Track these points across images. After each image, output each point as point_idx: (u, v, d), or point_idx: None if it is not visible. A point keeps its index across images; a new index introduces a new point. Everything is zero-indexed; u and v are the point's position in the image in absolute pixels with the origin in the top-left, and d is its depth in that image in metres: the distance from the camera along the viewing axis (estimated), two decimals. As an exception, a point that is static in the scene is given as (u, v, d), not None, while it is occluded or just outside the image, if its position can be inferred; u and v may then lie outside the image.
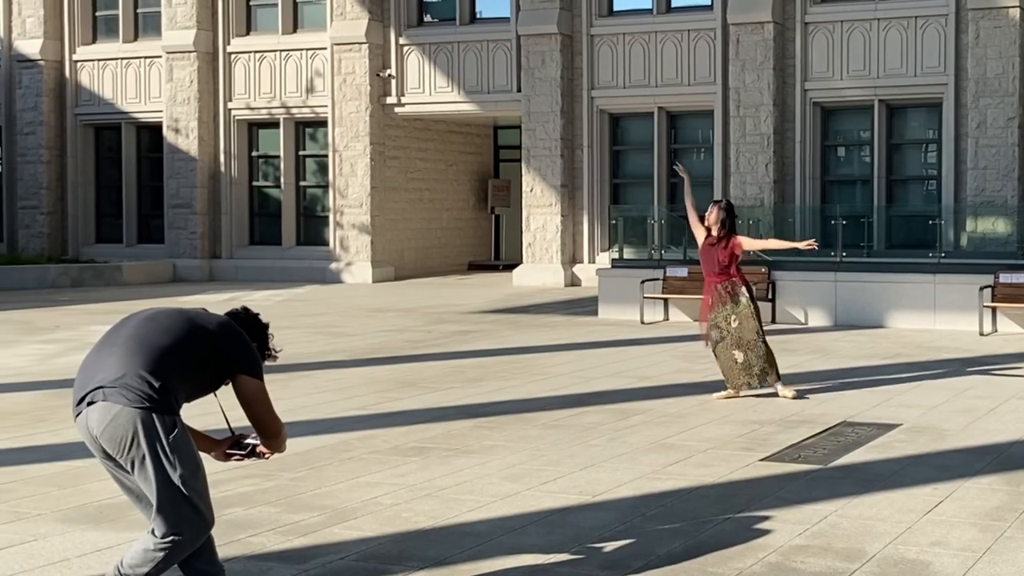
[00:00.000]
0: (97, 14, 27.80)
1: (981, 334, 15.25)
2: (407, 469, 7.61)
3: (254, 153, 26.56)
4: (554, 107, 23.33)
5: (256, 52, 25.99)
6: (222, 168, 26.24)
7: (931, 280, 16.11)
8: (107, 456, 4.67)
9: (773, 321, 16.58)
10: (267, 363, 5.00)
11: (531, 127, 23.59)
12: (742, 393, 10.38)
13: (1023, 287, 15.48)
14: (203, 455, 4.94)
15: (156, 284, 24.91)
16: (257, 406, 4.81)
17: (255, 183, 26.58)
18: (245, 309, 5.00)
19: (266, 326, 5.01)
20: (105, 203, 27.96)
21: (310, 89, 25.56)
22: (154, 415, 4.56)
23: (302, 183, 26.18)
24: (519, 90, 23.89)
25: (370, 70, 24.77)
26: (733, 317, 10.37)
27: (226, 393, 4.89)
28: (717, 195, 22.18)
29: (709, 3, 22.77)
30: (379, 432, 8.86)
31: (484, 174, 28.81)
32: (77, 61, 27.61)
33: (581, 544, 5.94)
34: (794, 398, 10.22)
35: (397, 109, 25.16)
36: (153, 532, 4.68)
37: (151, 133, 27.23)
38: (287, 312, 18.84)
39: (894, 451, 8.13)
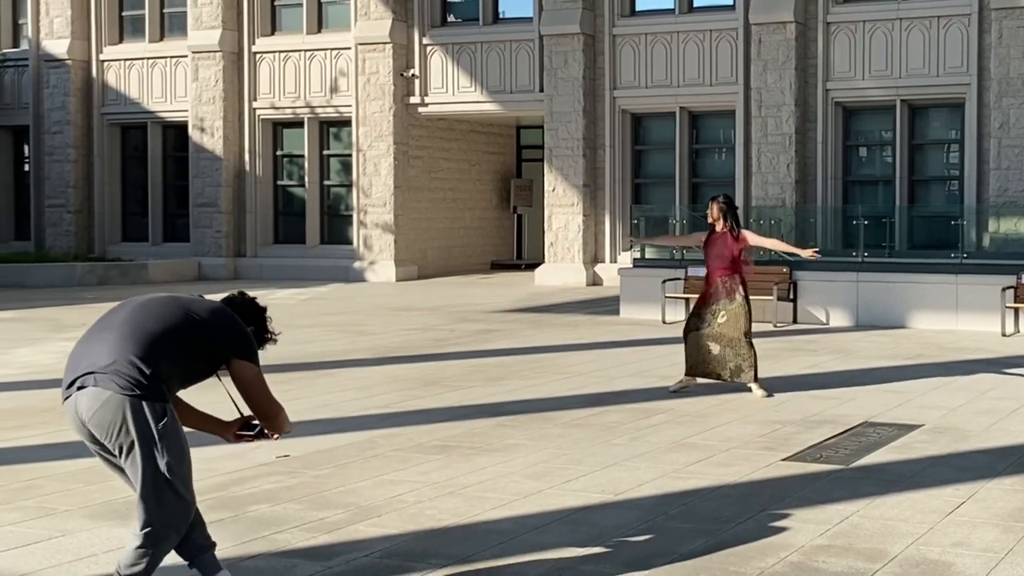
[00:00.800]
0: (124, 14, 28.03)
1: (1003, 335, 15.26)
2: (430, 467, 7.65)
3: (279, 152, 26.73)
4: (576, 107, 23.41)
5: (281, 52, 26.17)
6: (247, 167, 26.42)
7: (953, 281, 16.11)
8: (94, 440, 4.70)
9: (795, 321, 16.67)
10: (268, 346, 5.05)
11: (553, 127, 23.67)
12: (698, 381, 10.57)
13: (1045, 288, 15.50)
14: (215, 437, 5.02)
15: (181, 282, 25.08)
16: (253, 389, 4.84)
17: (280, 182, 26.76)
18: (242, 294, 5.04)
19: (264, 310, 5.04)
20: (131, 202, 28.19)
21: (334, 89, 25.72)
22: (144, 402, 4.57)
23: (326, 182, 26.35)
24: (542, 90, 23.98)
25: (394, 70, 24.91)
26: (722, 313, 10.44)
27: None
28: (739, 196, 22.24)
29: (731, 3, 22.81)
30: (402, 430, 8.91)
31: (506, 174, 28.91)
32: (104, 61, 27.84)
33: (603, 542, 5.95)
34: (764, 397, 10.31)
35: (420, 109, 25.29)
36: (137, 526, 4.73)
37: (177, 132, 27.44)
38: (311, 311, 18.98)
39: (916, 452, 8.14)
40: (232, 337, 4.79)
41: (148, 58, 27.46)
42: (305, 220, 26.29)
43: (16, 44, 28.93)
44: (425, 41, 25.13)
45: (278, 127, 26.64)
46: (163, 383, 4.65)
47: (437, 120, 26.03)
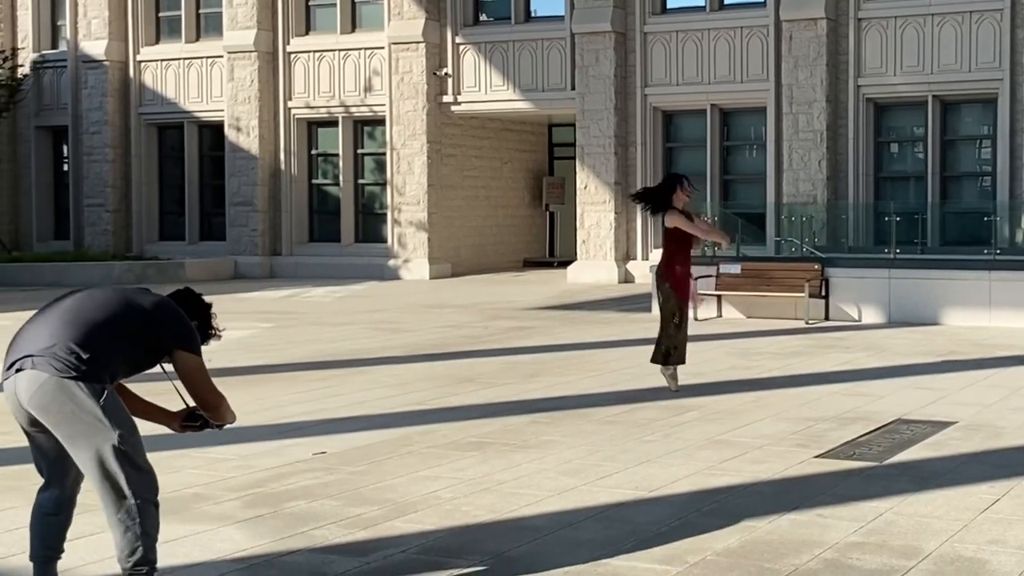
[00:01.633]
0: (160, 15, 28.29)
1: (1036, 331, 15.23)
2: (466, 464, 7.71)
3: (313, 151, 26.96)
4: (608, 105, 23.52)
5: (315, 52, 26.39)
6: (282, 166, 26.67)
7: (986, 277, 16.03)
8: (32, 423, 4.74)
9: (827, 318, 16.63)
10: (212, 342, 5.12)
11: (585, 125, 23.79)
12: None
13: (1078, 284, 15.46)
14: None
15: (218, 281, 25.27)
16: (195, 380, 4.90)
17: (315, 181, 26.99)
18: (188, 289, 5.11)
19: (208, 306, 5.11)
20: (168, 201, 28.47)
21: (368, 88, 25.92)
22: (81, 383, 4.62)
23: (360, 181, 26.56)
24: (573, 88, 24.09)
25: (427, 69, 25.08)
26: (660, 297, 10.67)
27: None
28: (770, 193, 22.32)
29: (762, 0, 22.86)
30: (437, 427, 8.98)
31: (539, 172, 29.03)
32: (141, 61, 28.14)
33: (637, 538, 5.97)
34: (670, 383, 10.50)
35: (453, 107, 25.45)
36: (111, 511, 4.77)
37: (213, 132, 27.70)
38: (346, 308, 19.17)
39: (949, 449, 8.12)
40: (175, 329, 4.85)
41: (184, 58, 27.74)
42: (340, 218, 26.51)
43: (55, 45, 29.27)
44: (458, 40, 25.29)
45: (313, 126, 26.87)
46: (101, 368, 4.69)
47: (470, 118, 26.19)
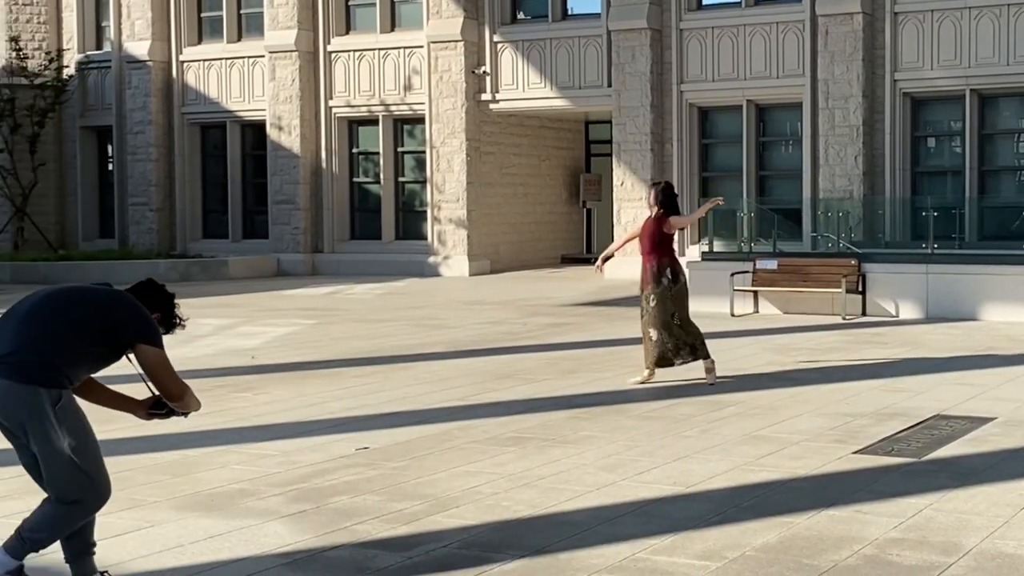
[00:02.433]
0: (202, 15, 28.61)
1: (1076, 326, 15.11)
2: (506, 459, 7.77)
3: (354, 150, 27.20)
4: (644, 101, 23.63)
5: (355, 51, 26.64)
6: (323, 165, 26.95)
7: (1024, 272, 15.99)
8: (6, 428, 4.89)
9: (864, 314, 16.62)
10: (176, 332, 5.27)
11: (621, 122, 23.90)
12: (656, 372, 10.74)
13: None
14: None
15: (260, 278, 25.59)
16: (157, 371, 5.01)
17: (355, 179, 27.24)
18: (150, 280, 5.24)
19: (171, 297, 5.22)
20: (211, 199, 28.81)
21: (408, 87, 26.14)
22: (39, 388, 4.75)
23: (401, 179, 26.79)
24: (610, 85, 24.19)
25: (465, 67, 25.26)
26: (652, 297, 10.68)
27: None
28: (806, 189, 22.36)
29: (797, -5, 22.91)
30: (478, 422, 9.06)
31: (576, 169, 29.15)
32: (183, 62, 28.48)
33: (676, 534, 6.00)
34: (708, 376, 10.67)
35: (492, 105, 25.62)
36: (50, 500, 4.94)
37: (255, 131, 28.00)
38: (387, 305, 19.37)
39: (989, 445, 8.09)
40: (134, 323, 4.95)
41: (226, 58, 28.05)
42: (380, 216, 26.75)
43: (99, 46, 29.68)
44: (496, 38, 25.47)
45: (353, 125, 27.12)
46: (59, 371, 4.83)
47: (508, 116, 26.35)
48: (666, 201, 10.90)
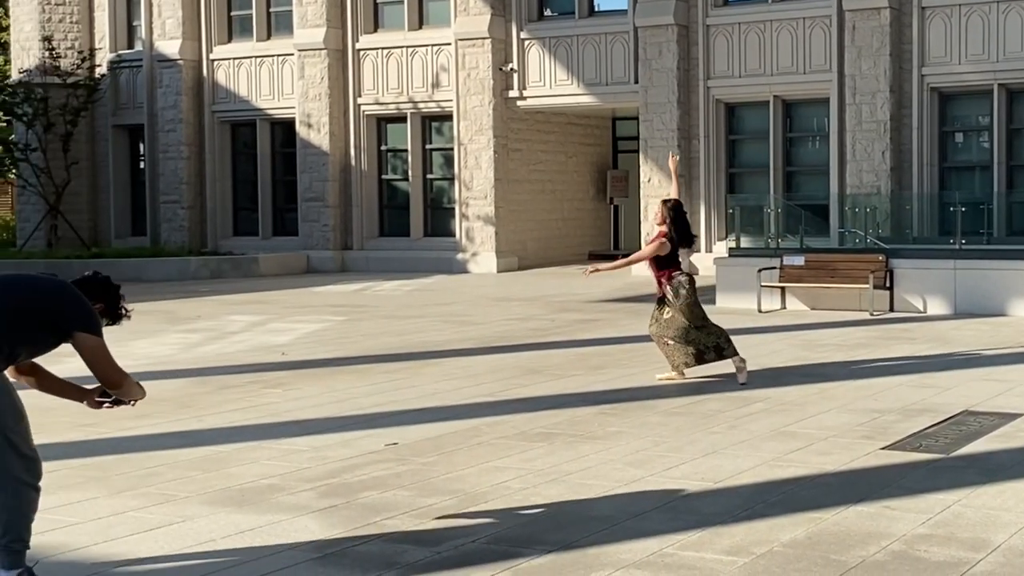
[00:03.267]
0: (232, 14, 28.80)
1: (1104, 321, 15.07)
2: (534, 454, 7.82)
3: (383, 147, 27.35)
4: (671, 98, 23.67)
5: (383, 49, 26.77)
6: (352, 162, 27.11)
7: (1053, 267, 15.89)
8: None
9: (891, 310, 16.58)
10: (123, 323, 5.37)
11: (648, 118, 23.95)
12: (686, 373, 10.86)
13: None
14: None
15: (290, 275, 25.76)
16: (95, 361, 5.09)
17: (384, 176, 27.39)
18: (95, 272, 5.35)
19: (117, 287, 5.34)
20: (241, 197, 29.02)
21: (436, 84, 26.26)
22: None
23: (429, 176, 26.92)
24: (636, 81, 24.25)
25: (493, 64, 25.38)
26: (667, 310, 10.96)
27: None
28: (833, 184, 22.34)
29: (825, -10, 22.90)
30: (506, 418, 9.11)
31: (603, 165, 29.22)
32: (214, 60, 28.70)
33: (704, 529, 6.01)
34: (739, 373, 10.71)
35: (519, 102, 25.71)
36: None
37: (284, 129, 28.19)
38: (416, 302, 19.48)
39: (1018, 440, 8.08)
40: (73, 312, 5.05)
41: (256, 57, 28.26)
42: (409, 213, 26.89)
43: (131, 45, 29.91)
44: (523, 35, 25.56)
45: (382, 122, 27.26)
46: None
47: (535, 113, 26.44)
48: (673, 219, 11.08)
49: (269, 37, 28.35)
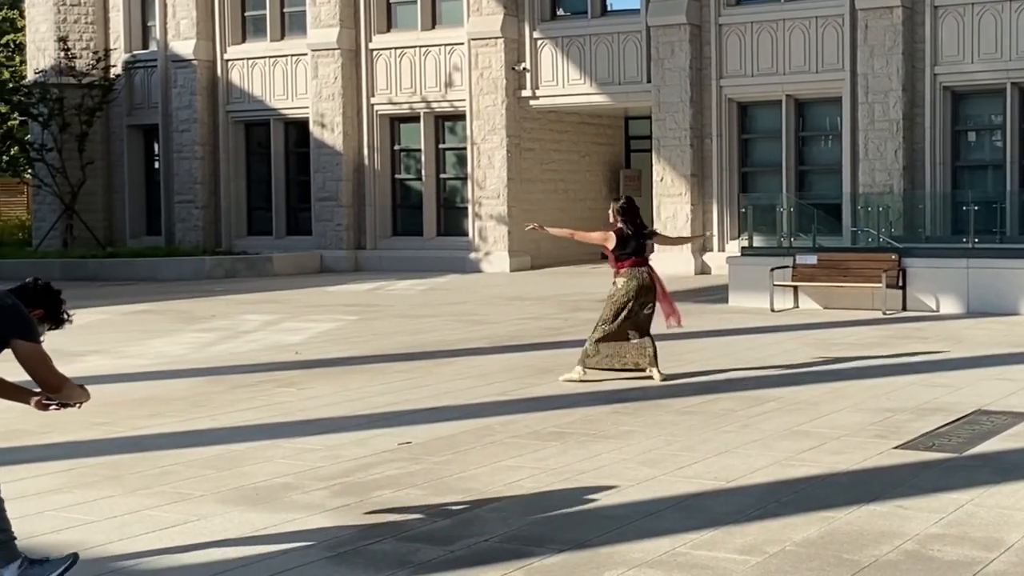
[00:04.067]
0: (246, 14, 28.89)
1: (1117, 320, 15.03)
2: (547, 453, 7.84)
3: (396, 147, 27.41)
4: (683, 97, 23.69)
5: (397, 49, 26.83)
6: (366, 162, 27.18)
7: (1066, 266, 15.85)
8: None
9: (904, 309, 16.56)
10: (65, 327, 5.42)
11: (661, 117, 23.97)
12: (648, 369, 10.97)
13: None
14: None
15: (304, 274, 25.83)
16: (33, 366, 5.15)
17: (397, 176, 27.45)
18: (35, 279, 5.40)
19: (57, 293, 5.39)
20: (256, 197, 29.11)
21: (449, 84, 26.31)
22: None
23: (442, 175, 26.98)
24: (649, 81, 24.27)
25: (506, 64, 25.42)
26: (649, 305, 11.17)
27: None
28: (846, 183, 22.34)
29: (837, -10, 22.88)
30: (519, 417, 9.13)
31: (615, 164, 29.22)
32: (228, 60, 28.79)
33: (716, 528, 6.02)
34: (575, 380, 10.82)
35: (532, 102, 25.75)
36: None
37: (298, 129, 28.27)
38: (429, 301, 19.53)
39: None
40: (10, 320, 5.13)
41: (269, 57, 28.34)
42: (422, 213, 26.95)
43: (146, 46, 30.04)
44: (535, 35, 25.60)
45: (395, 122, 27.32)
46: None
47: (548, 113, 26.48)
48: (623, 215, 11.10)
49: (283, 37, 28.44)
